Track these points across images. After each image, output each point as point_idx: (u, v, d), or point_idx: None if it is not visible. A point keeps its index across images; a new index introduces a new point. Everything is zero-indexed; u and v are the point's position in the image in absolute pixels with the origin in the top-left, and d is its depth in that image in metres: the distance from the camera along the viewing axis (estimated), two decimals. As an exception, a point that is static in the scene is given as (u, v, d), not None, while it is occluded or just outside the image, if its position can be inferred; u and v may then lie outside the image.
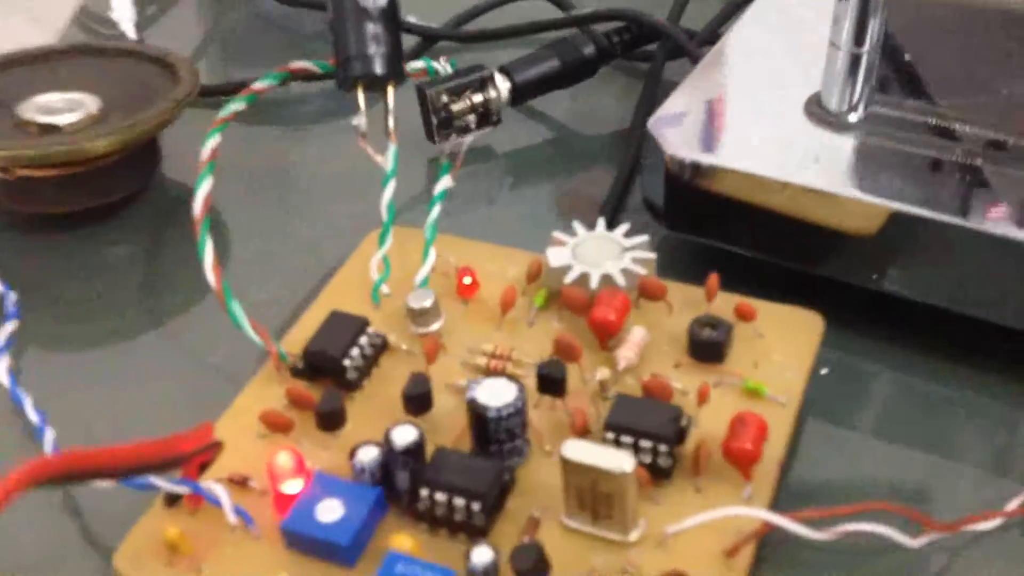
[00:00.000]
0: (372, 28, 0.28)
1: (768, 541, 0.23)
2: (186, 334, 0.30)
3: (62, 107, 0.33)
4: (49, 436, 0.25)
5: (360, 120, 0.28)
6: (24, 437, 0.26)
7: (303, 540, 0.22)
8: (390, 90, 0.29)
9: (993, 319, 0.27)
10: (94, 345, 0.30)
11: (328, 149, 0.38)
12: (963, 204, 0.28)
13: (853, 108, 0.32)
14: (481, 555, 0.21)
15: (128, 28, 0.38)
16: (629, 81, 0.40)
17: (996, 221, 0.27)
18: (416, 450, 0.23)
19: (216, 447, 0.23)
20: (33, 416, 0.25)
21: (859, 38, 0.32)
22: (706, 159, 0.29)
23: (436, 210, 0.29)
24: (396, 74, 0.28)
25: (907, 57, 0.34)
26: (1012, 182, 0.28)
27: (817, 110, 0.32)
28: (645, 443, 0.23)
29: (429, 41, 0.42)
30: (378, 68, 0.28)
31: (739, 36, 0.35)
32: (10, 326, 0.28)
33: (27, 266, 0.32)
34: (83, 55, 0.36)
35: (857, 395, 0.28)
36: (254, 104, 0.30)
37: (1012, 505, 0.24)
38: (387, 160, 0.29)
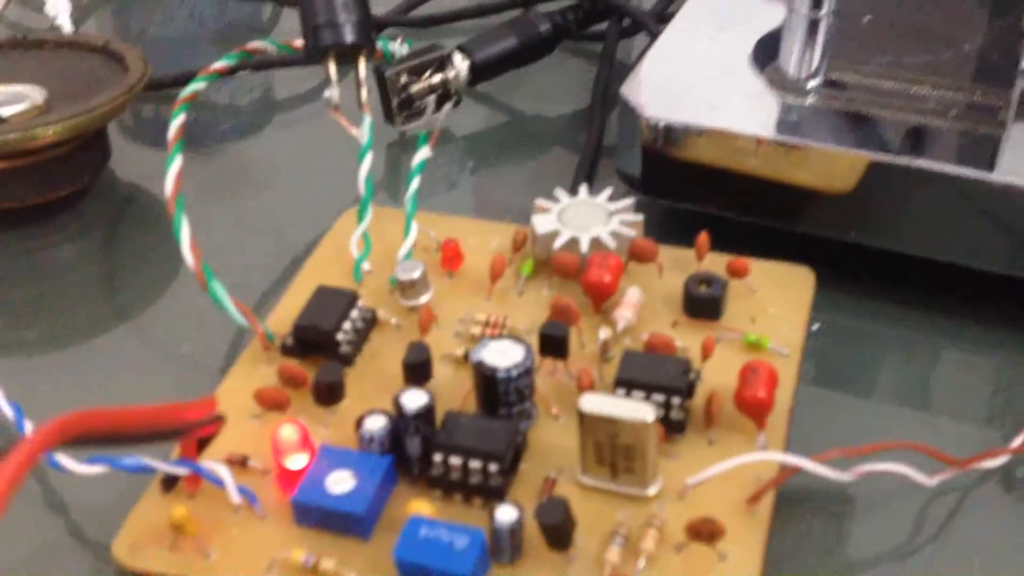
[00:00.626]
0: (341, -4, 0.27)
1: (781, 495, 0.23)
2: (152, 327, 0.29)
3: (5, 99, 0.31)
4: (30, 428, 0.23)
5: (332, 92, 0.27)
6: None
7: (315, 513, 0.21)
8: (362, 60, 0.28)
9: (975, 265, 0.28)
10: (56, 346, 0.29)
11: (282, 138, 0.37)
12: (936, 151, 0.28)
13: (813, 74, 0.32)
14: (506, 513, 0.20)
15: (64, 21, 0.36)
16: (579, 63, 0.40)
17: (969, 165, 0.27)
18: (427, 414, 0.22)
19: (220, 421, 0.21)
20: (8, 410, 0.24)
21: (816, 1, 0.32)
22: (681, 120, 0.29)
23: (415, 182, 0.28)
24: (368, 43, 0.28)
25: (865, 20, 0.34)
26: (981, 131, 0.29)
27: (776, 76, 0.32)
28: (657, 397, 0.23)
29: (378, 28, 0.41)
30: (349, 36, 0.27)
31: (696, 9, 0.35)
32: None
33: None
34: (19, 48, 0.34)
35: (848, 350, 0.28)
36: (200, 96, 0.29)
37: (1016, 442, 0.24)
38: (362, 133, 0.28)
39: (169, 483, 0.22)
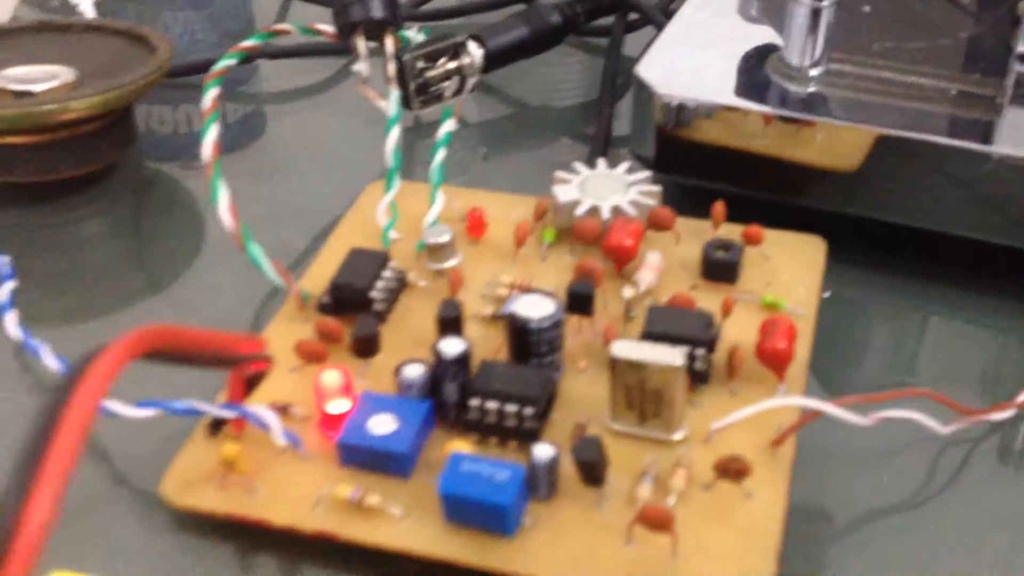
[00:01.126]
0: (370, -26, 0.28)
1: (801, 445, 0.24)
2: (182, 296, 0.30)
3: (36, 76, 0.32)
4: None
5: (361, 66, 0.29)
6: (37, 389, 0.26)
7: (359, 452, 0.22)
8: (389, 36, 0.29)
9: (974, 236, 0.29)
10: (91, 315, 0.29)
11: (302, 122, 0.38)
12: (938, 126, 0.30)
13: (816, 63, 0.34)
14: (544, 451, 0.21)
15: (87, 7, 0.37)
16: (583, 57, 0.42)
17: (971, 139, 0.29)
18: (464, 361, 0.23)
19: (269, 360, 0.22)
20: (54, 362, 0.24)
21: (819, -8, 0.34)
22: (694, 97, 0.30)
23: (441, 154, 0.29)
24: (395, 18, 0.29)
25: (866, 9, 0.36)
26: (979, 109, 0.30)
27: (780, 65, 0.34)
28: (683, 348, 0.24)
29: (389, 22, 0.42)
30: (377, 12, 0.28)
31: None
32: (10, 284, 0.27)
33: (6, 238, 0.31)
34: (47, 32, 0.35)
35: (855, 317, 0.29)
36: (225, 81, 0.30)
37: (1022, 397, 0.25)
38: (389, 105, 0.29)
39: (215, 427, 0.23)
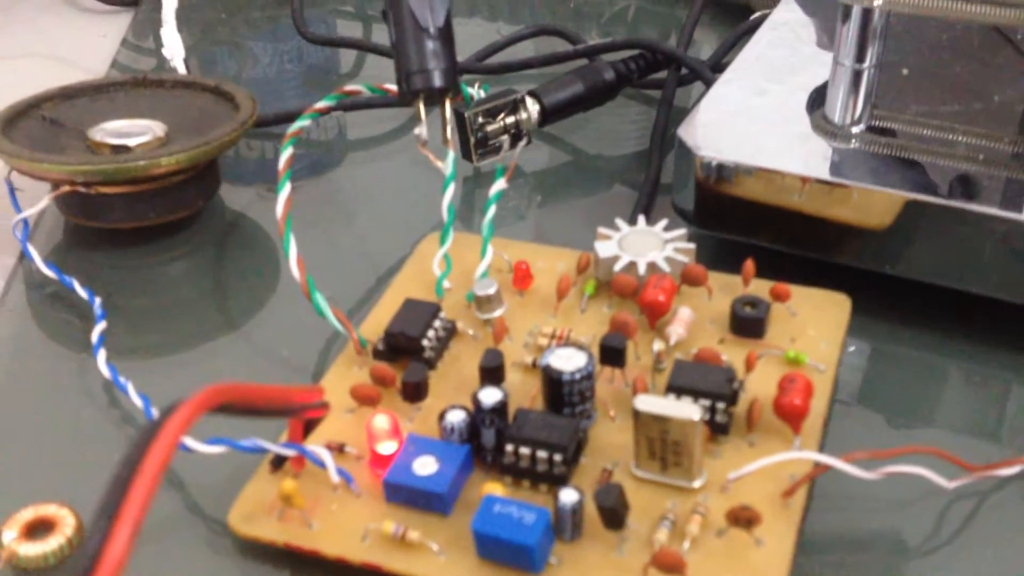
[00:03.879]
0: (431, 45, 0.31)
1: (816, 493, 0.26)
2: (255, 335, 0.33)
3: (131, 131, 0.35)
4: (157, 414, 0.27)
5: (421, 129, 0.31)
6: (123, 423, 0.29)
7: (403, 491, 0.24)
8: (447, 102, 0.32)
9: (1002, 297, 0.30)
10: (172, 350, 0.32)
11: (371, 171, 0.41)
12: (968, 192, 0.31)
13: (857, 121, 0.35)
14: (569, 495, 0.23)
15: (179, 63, 0.40)
16: (640, 108, 0.44)
17: (1000, 206, 0.30)
18: (501, 409, 0.25)
19: (326, 406, 0.25)
20: (137, 400, 0.27)
21: (860, 55, 0.36)
22: (732, 159, 0.32)
23: (492, 210, 0.32)
24: (454, 87, 0.31)
25: (905, 72, 0.37)
26: (1008, 175, 0.32)
27: (823, 123, 0.35)
28: (704, 402, 0.26)
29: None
30: (437, 81, 0.31)
31: (749, 58, 0.38)
32: (101, 325, 0.31)
33: (99, 279, 0.34)
34: (141, 86, 0.39)
35: (880, 370, 0.30)
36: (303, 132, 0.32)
37: (1030, 453, 0.27)
38: (446, 165, 0.31)
39: (277, 463, 0.25)
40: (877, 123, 0.35)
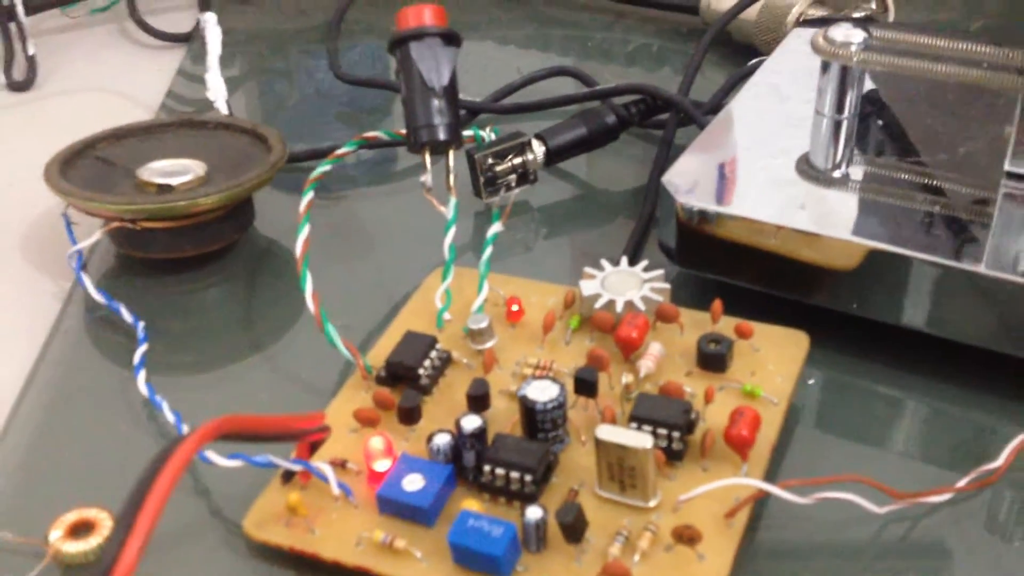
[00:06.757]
0: (436, 102, 0.35)
1: (762, 514, 0.29)
2: (279, 357, 0.37)
3: (174, 170, 0.39)
4: (187, 429, 0.31)
5: (426, 178, 0.35)
6: (159, 436, 0.33)
7: (393, 504, 0.28)
8: (451, 153, 0.35)
9: (956, 338, 0.33)
10: (204, 369, 0.36)
11: (383, 207, 0.45)
12: (928, 241, 0.34)
13: (836, 166, 0.38)
14: (533, 512, 0.27)
15: (221, 104, 0.45)
16: (645, 146, 0.47)
17: (955, 256, 0.33)
18: (480, 435, 0.29)
19: (326, 430, 0.29)
20: (170, 416, 0.32)
21: (839, 107, 0.39)
22: (710, 207, 0.36)
23: (488, 251, 0.35)
24: (456, 140, 0.35)
25: (880, 123, 0.40)
26: (968, 224, 0.35)
27: (806, 168, 0.38)
28: (662, 431, 0.29)
29: (473, 114, 0.48)
30: (442, 135, 0.35)
31: (739, 106, 0.42)
32: (143, 347, 0.35)
33: (144, 304, 0.38)
34: (186, 127, 0.43)
35: (837, 401, 0.34)
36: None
37: (961, 483, 0.30)
38: (448, 210, 0.35)
39: (287, 476, 0.29)
40: (854, 168, 0.38)
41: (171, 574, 0.28)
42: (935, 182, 0.37)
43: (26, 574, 0.28)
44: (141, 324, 0.36)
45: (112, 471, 0.31)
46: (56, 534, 0.28)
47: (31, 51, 0.56)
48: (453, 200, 0.35)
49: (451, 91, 0.35)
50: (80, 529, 0.28)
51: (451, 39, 0.35)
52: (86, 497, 0.29)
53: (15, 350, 0.37)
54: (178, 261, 0.40)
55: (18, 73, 0.57)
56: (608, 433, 0.28)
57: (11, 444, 0.33)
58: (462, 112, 0.48)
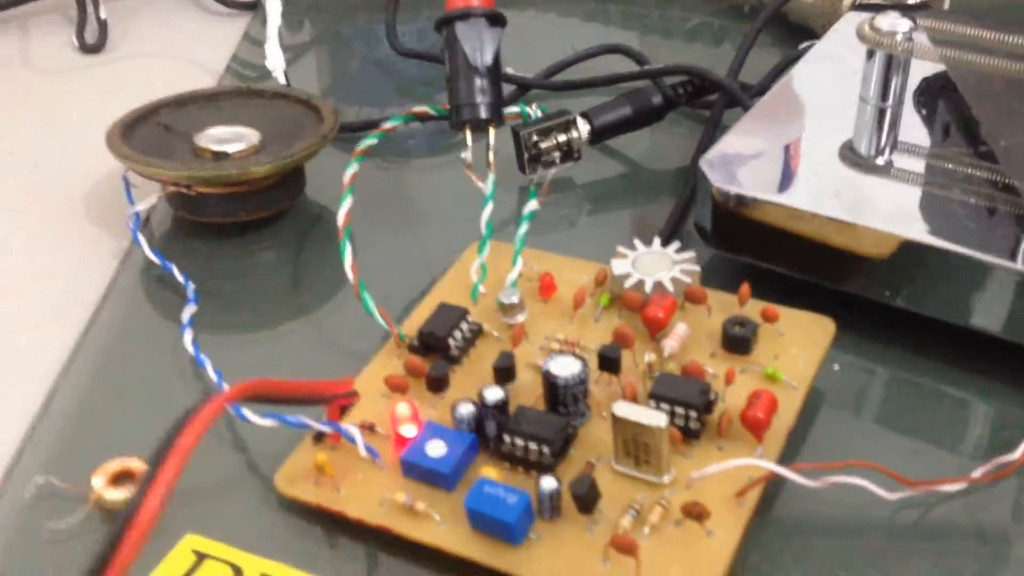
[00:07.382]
0: (479, 81, 0.35)
1: (775, 494, 0.29)
2: (323, 321, 0.38)
3: (230, 138, 0.41)
4: (227, 389, 0.33)
5: (467, 154, 0.36)
6: (201, 392, 0.34)
7: (416, 469, 0.29)
8: (492, 131, 0.36)
9: (988, 331, 0.33)
10: (252, 329, 0.38)
11: (434, 179, 0.46)
12: (965, 235, 0.34)
13: (879, 153, 0.39)
14: (548, 483, 0.28)
15: (279, 74, 0.46)
16: (692, 126, 0.47)
17: (993, 252, 0.33)
18: (502, 406, 0.30)
19: (355, 395, 0.30)
20: (212, 375, 0.33)
21: (884, 94, 0.39)
22: (745, 192, 0.36)
23: (524, 227, 0.36)
24: (497, 118, 0.36)
25: (923, 112, 0.40)
26: (1009, 218, 0.35)
27: (849, 154, 0.39)
28: (679, 410, 0.30)
29: (524, 89, 0.49)
30: (483, 113, 0.36)
31: (784, 89, 0.42)
32: (191, 308, 0.36)
33: (197, 265, 0.40)
34: (244, 96, 0.44)
35: (862, 388, 0.34)
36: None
37: (976, 473, 0.30)
38: (487, 186, 0.36)
39: (319, 437, 0.31)
40: (897, 155, 0.38)
41: (208, 522, 0.30)
42: (978, 173, 0.37)
43: (68, 517, 0.30)
44: (192, 285, 0.38)
45: (155, 424, 0.33)
46: (98, 481, 0.30)
47: (103, 15, 0.58)
48: (492, 177, 0.36)
49: (494, 70, 0.36)
50: (121, 477, 0.30)
51: (496, 20, 0.36)
52: (129, 447, 0.31)
53: (75, 303, 0.39)
54: (231, 226, 0.41)
55: (90, 36, 0.59)
56: (624, 410, 0.29)
57: (64, 394, 0.35)
58: (513, 88, 0.49)
